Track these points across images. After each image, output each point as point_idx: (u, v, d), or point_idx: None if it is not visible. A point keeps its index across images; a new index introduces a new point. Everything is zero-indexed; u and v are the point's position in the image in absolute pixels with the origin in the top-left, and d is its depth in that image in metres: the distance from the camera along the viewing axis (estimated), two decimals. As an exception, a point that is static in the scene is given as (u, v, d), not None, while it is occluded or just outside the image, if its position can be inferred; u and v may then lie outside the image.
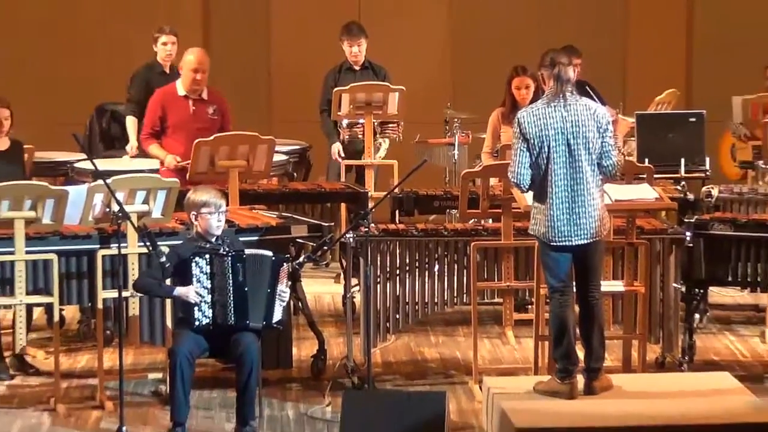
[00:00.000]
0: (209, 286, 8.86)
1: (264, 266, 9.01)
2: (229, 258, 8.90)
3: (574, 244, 8.75)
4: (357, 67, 12.83)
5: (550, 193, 8.69)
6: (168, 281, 8.93)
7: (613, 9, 15.31)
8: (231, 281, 8.88)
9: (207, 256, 8.88)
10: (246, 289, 8.88)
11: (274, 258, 9.08)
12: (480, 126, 11.90)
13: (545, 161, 8.68)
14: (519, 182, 8.76)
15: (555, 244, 8.76)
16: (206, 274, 8.87)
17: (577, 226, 8.72)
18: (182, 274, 8.88)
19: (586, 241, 8.77)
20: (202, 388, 9.47)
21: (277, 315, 9.03)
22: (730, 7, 15.32)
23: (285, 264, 9.10)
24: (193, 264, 8.86)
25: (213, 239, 8.98)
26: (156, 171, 10.91)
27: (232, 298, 8.87)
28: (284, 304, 9.12)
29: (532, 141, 8.69)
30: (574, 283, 8.89)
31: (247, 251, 9.04)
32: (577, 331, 8.91)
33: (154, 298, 9.36)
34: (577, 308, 8.98)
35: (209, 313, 8.86)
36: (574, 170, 8.69)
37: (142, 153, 11.62)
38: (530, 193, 9.13)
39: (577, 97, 8.82)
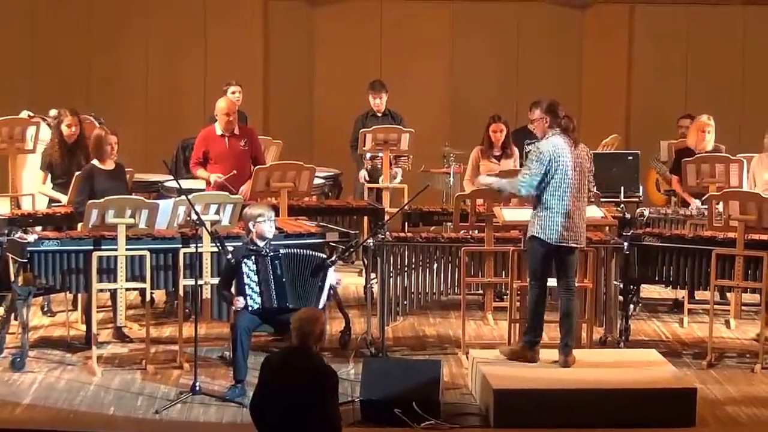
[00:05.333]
0: (256, 279, 8.75)
1: (302, 261, 8.86)
2: (268, 258, 8.78)
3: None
4: (379, 114, 12.73)
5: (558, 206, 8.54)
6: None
7: (570, 73, 15.22)
8: (271, 274, 8.76)
9: (253, 257, 8.77)
10: (284, 279, 8.76)
11: (324, 259, 8.97)
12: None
13: (560, 182, 8.51)
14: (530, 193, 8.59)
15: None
16: (253, 271, 8.75)
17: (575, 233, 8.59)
18: (237, 272, 8.78)
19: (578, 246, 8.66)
20: (256, 354, 9.35)
21: (321, 302, 8.89)
22: (658, 75, 15.20)
23: (329, 266, 8.95)
24: (243, 265, 8.74)
25: (262, 243, 8.86)
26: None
27: (273, 287, 8.75)
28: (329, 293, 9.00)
29: (548, 166, 8.50)
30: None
31: (283, 251, 8.90)
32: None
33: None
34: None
35: (258, 299, 8.75)
36: (578, 191, 8.57)
37: (191, 175, 11.35)
38: (509, 210, 9.01)
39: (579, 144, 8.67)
